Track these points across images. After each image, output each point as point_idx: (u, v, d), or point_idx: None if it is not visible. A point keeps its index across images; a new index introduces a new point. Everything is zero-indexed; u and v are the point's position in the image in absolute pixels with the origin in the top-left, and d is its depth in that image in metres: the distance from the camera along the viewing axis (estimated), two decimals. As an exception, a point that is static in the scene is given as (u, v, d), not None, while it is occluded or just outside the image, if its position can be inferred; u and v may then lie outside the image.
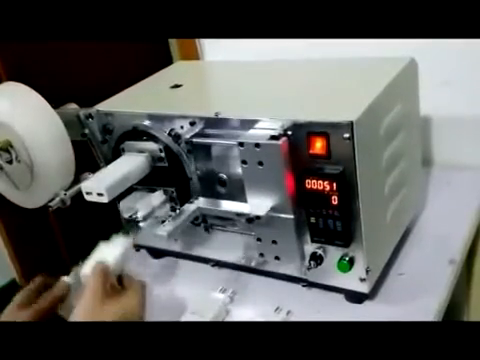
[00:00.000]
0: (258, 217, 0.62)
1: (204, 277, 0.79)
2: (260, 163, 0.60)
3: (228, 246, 0.75)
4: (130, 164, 0.71)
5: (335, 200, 0.60)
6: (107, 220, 0.80)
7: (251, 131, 0.63)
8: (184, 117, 0.69)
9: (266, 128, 0.62)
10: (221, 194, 0.71)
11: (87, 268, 0.60)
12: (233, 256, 0.75)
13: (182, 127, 0.69)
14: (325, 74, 0.75)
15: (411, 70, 0.72)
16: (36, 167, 0.71)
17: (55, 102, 0.75)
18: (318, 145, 0.59)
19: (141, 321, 0.58)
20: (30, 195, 0.75)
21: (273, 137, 0.60)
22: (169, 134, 0.70)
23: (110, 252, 0.61)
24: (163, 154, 0.70)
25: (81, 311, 0.55)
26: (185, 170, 0.71)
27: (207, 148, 0.69)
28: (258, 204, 0.62)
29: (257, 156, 0.60)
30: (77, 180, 0.74)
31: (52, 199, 0.72)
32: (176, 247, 0.80)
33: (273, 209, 0.62)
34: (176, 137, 0.69)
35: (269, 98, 0.70)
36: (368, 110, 0.59)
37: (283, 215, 0.62)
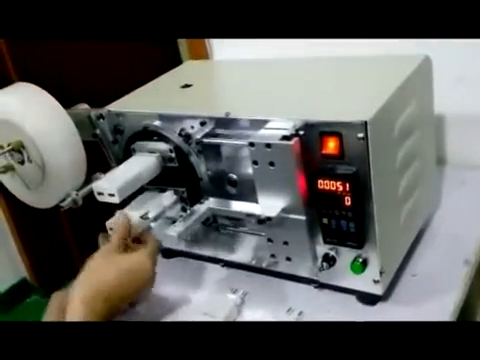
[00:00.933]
0: (269, 218, 0.61)
1: (215, 277, 0.78)
2: (271, 163, 0.60)
3: (239, 246, 0.74)
4: (141, 164, 0.70)
5: (348, 201, 0.59)
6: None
7: (262, 131, 0.62)
8: (194, 117, 0.68)
9: (277, 128, 0.61)
10: (232, 194, 0.70)
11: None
12: (244, 256, 0.75)
13: (192, 127, 0.69)
14: (338, 72, 0.74)
15: (425, 68, 0.71)
16: (48, 167, 0.71)
17: (66, 102, 0.75)
18: (331, 145, 0.58)
19: (150, 279, 0.62)
20: (42, 195, 0.75)
21: (284, 137, 0.59)
22: (179, 134, 0.69)
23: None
24: (174, 154, 0.70)
25: (92, 261, 0.61)
26: (195, 170, 0.70)
27: (217, 148, 0.68)
28: (269, 205, 0.62)
29: (268, 156, 0.60)
30: (88, 180, 0.74)
31: (64, 199, 0.72)
32: (187, 247, 0.80)
33: (284, 210, 0.61)
34: (186, 137, 0.69)
35: (280, 97, 0.69)
36: (382, 109, 0.58)
37: (295, 216, 0.62)
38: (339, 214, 0.60)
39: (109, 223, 0.67)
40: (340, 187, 0.59)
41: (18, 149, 0.70)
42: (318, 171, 0.60)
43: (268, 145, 0.59)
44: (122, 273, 0.60)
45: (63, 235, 1.87)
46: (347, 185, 0.58)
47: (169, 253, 0.85)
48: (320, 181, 0.60)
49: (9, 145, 0.69)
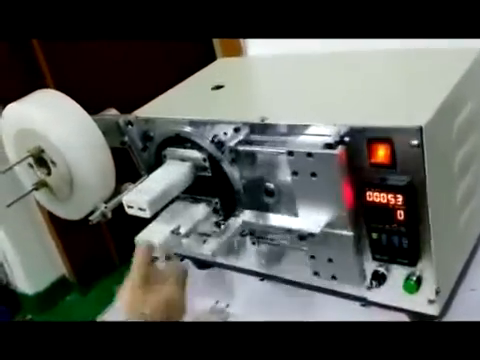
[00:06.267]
0: (312, 234, 0.56)
1: (252, 291, 0.74)
2: (313, 174, 0.55)
3: (278, 259, 0.69)
4: (173, 174, 0.66)
5: (401, 215, 0.53)
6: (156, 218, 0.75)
7: (302, 138, 0.57)
8: (227, 123, 0.63)
9: (319, 134, 0.56)
10: (269, 205, 0.65)
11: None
12: (283, 270, 0.70)
13: (225, 133, 0.64)
14: (385, 69, 0.67)
15: (482, 61, 0.64)
16: (75, 179, 0.67)
17: (94, 107, 0.72)
18: (381, 153, 0.53)
19: (182, 308, 0.58)
20: (70, 207, 0.72)
21: (328, 145, 0.54)
22: (212, 141, 0.65)
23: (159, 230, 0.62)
24: (207, 164, 0.65)
25: (124, 302, 0.57)
26: (229, 180, 0.66)
27: (253, 156, 0.63)
28: (311, 219, 0.56)
29: (310, 166, 0.54)
30: (118, 190, 0.70)
31: (93, 212, 0.68)
32: (222, 259, 0.76)
33: (328, 225, 0.56)
34: (219, 144, 0.64)
35: (322, 99, 0.63)
36: (438, 112, 0.52)
37: (340, 231, 0.56)
38: (390, 229, 0.55)
39: (138, 239, 0.63)
40: (392, 199, 0.53)
41: (38, 156, 0.67)
42: (366, 182, 0.54)
43: (309, 154, 0.54)
44: (157, 308, 0.56)
45: (101, 232, 1.86)
46: (400, 197, 0.53)
47: (203, 264, 0.80)
48: (369, 193, 0.54)
49: (28, 151, 0.66)
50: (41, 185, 0.70)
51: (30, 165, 0.69)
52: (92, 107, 0.72)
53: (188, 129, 0.67)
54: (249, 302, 0.72)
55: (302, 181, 0.56)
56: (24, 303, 1.83)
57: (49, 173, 0.69)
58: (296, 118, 0.59)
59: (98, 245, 1.86)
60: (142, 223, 0.65)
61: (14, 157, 0.71)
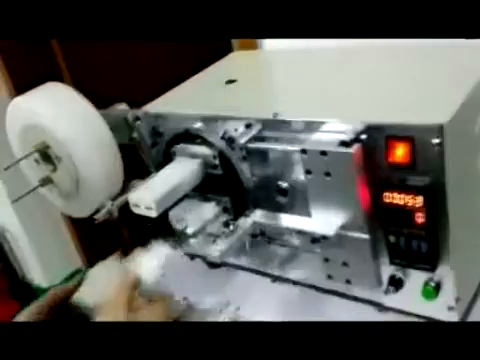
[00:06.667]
0: (325, 237, 0.53)
1: (264, 293, 0.71)
2: (327, 174, 0.52)
3: (290, 261, 0.67)
4: (181, 172, 0.64)
5: (420, 217, 0.50)
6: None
7: (316, 135, 0.54)
8: (238, 119, 0.61)
9: (334, 131, 0.53)
10: (281, 204, 0.62)
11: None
12: (296, 272, 0.67)
13: (236, 130, 0.61)
14: (404, 66, 0.64)
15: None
16: (81, 176, 0.66)
17: (103, 102, 0.70)
18: (399, 152, 0.50)
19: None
20: (76, 204, 0.71)
21: (343, 143, 0.51)
22: (222, 137, 0.62)
23: (146, 263, 0.58)
24: (217, 161, 0.63)
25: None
26: (240, 178, 0.63)
27: (265, 153, 0.61)
28: (325, 221, 0.54)
29: (324, 165, 0.52)
30: (126, 187, 0.69)
31: (99, 210, 0.67)
32: (233, 259, 0.73)
33: (343, 227, 0.53)
34: (230, 141, 0.62)
35: (337, 95, 0.60)
36: (461, 109, 0.49)
37: (356, 234, 0.53)
38: (409, 232, 0.52)
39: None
40: (410, 201, 0.50)
41: (44, 151, 0.65)
42: (384, 182, 0.51)
43: (324, 153, 0.51)
44: None
45: (117, 225, 1.85)
46: (419, 199, 0.50)
47: (214, 263, 0.78)
48: (386, 194, 0.51)
49: (34, 147, 0.65)
50: (47, 181, 0.68)
51: (36, 161, 0.67)
52: (104, 101, 0.71)
53: (198, 125, 0.64)
54: (260, 304, 0.70)
55: (316, 180, 0.53)
56: (39, 296, 1.84)
57: (55, 169, 0.68)
58: (310, 114, 0.56)
59: (114, 238, 1.86)
60: (158, 216, 0.62)
61: (20, 153, 0.69)
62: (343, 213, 0.53)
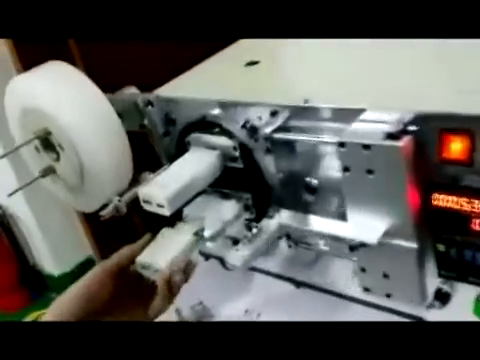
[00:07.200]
0: (364, 244, 0.46)
1: (286, 298, 0.65)
2: (369, 171, 0.45)
3: (318, 266, 0.61)
4: (197, 166, 0.58)
5: (477, 223, 0.44)
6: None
7: (355, 125, 0.47)
8: (263, 105, 0.55)
9: (377, 121, 0.46)
10: (309, 204, 0.56)
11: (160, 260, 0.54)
12: (323, 279, 0.61)
13: (260, 118, 0.56)
14: (452, 51, 0.56)
15: None
16: (85, 167, 0.60)
17: (111, 85, 0.66)
18: (455, 147, 0.43)
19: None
20: (81, 198, 0.65)
21: (390, 135, 0.44)
22: (244, 126, 0.56)
23: (176, 241, 0.55)
24: (238, 153, 0.57)
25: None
26: (263, 173, 0.57)
27: (292, 145, 0.56)
28: (365, 227, 0.47)
29: (366, 161, 0.45)
30: (135, 180, 0.63)
31: (106, 205, 0.61)
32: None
33: (386, 234, 0.46)
34: (252, 131, 0.56)
35: (378, 80, 0.54)
36: None
37: (401, 242, 0.46)
38: (463, 240, 0.45)
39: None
40: (466, 205, 0.44)
41: (45, 138, 0.60)
42: (434, 182, 0.45)
43: (367, 146, 0.44)
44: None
45: (129, 213, 1.84)
46: (477, 202, 0.43)
47: (231, 264, 0.72)
48: (436, 195, 0.45)
49: (34, 133, 0.60)
50: (48, 172, 0.62)
51: (36, 149, 0.61)
52: (112, 84, 0.66)
53: (216, 112, 0.59)
54: (282, 311, 0.64)
55: (355, 179, 0.46)
56: (50, 284, 1.84)
57: (58, 159, 0.62)
58: (346, 101, 0.50)
59: (125, 226, 1.85)
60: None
61: (20, 139, 0.63)
62: (387, 217, 0.46)
